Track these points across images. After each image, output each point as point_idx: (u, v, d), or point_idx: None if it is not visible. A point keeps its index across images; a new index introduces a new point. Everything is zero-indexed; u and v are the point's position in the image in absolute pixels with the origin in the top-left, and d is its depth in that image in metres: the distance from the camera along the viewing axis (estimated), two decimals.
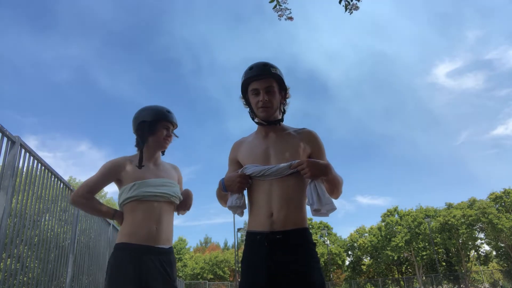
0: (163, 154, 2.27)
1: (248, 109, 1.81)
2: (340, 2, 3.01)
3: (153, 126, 2.12)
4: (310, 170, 1.53)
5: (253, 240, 1.59)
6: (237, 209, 1.67)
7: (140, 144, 2.14)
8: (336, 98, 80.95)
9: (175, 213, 2.19)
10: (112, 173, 2.07)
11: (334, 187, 1.64)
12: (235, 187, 1.65)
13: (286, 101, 1.80)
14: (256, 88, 1.70)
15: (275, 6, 3.05)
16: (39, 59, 65.39)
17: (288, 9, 3.05)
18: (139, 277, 1.84)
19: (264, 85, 1.68)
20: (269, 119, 1.73)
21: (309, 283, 1.45)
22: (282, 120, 1.78)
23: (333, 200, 1.57)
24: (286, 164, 1.60)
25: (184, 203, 2.15)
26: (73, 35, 67.18)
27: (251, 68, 1.71)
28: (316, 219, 42.56)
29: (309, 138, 1.73)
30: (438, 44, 69.65)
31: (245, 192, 1.74)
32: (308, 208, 1.63)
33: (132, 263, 1.86)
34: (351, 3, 2.99)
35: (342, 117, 79.67)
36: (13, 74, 60.83)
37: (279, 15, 3.05)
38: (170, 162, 2.34)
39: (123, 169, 2.08)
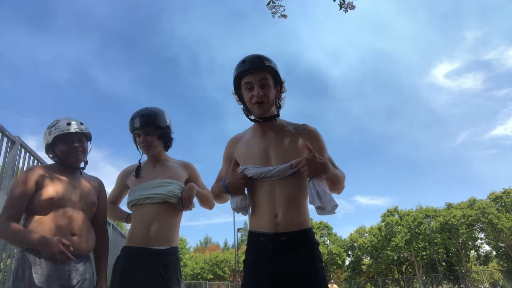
0: (166, 150, 2.27)
1: (241, 106, 1.72)
2: (334, 0, 2.99)
3: (134, 138, 2.19)
4: (308, 169, 1.49)
5: (257, 241, 1.57)
6: (242, 210, 1.65)
7: (140, 154, 2.22)
8: (336, 98, 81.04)
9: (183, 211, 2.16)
10: (121, 181, 2.24)
11: (335, 184, 1.61)
12: (239, 191, 1.62)
13: (281, 95, 1.72)
14: (250, 82, 1.62)
15: (269, 3, 3.05)
16: (38, 58, 65.50)
17: (282, 6, 3.03)
18: (132, 279, 1.88)
19: (258, 79, 1.61)
20: (264, 115, 1.66)
21: (314, 283, 1.44)
22: (278, 115, 1.71)
23: (334, 196, 1.55)
24: (287, 164, 1.57)
25: (180, 200, 2.09)
26: (72, 35, 67.43)
27: (243, 61, 1.62)
28: (316, 219, 42.53)
29: (309, 135, 1.67)
30: (436, 44, 69.75)
31: (246, 190, 1.73)
32: (311, 207, 1.61)
33: (126, 265, 1.91)
34: (346, 1, 2.98)
35: (342, 116, 79.77)
36: (13, 74, 60.98)
37: (273, 13, 3.03)
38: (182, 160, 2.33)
39: (129, 176, 2.20)
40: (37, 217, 1.70)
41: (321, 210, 1.51)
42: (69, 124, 1.86)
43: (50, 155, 1.92)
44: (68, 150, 1.86)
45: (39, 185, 1.76)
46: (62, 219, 1.72)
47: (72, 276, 1.67)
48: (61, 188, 1.79)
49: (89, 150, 1.97)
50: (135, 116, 2.12)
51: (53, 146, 1.87)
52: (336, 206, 1.50)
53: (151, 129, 2.12)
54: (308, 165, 1.49)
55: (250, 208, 1.66)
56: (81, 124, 1.91)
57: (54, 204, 1.73)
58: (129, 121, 2.14)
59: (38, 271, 1.58)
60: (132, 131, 2.15)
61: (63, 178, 1.85)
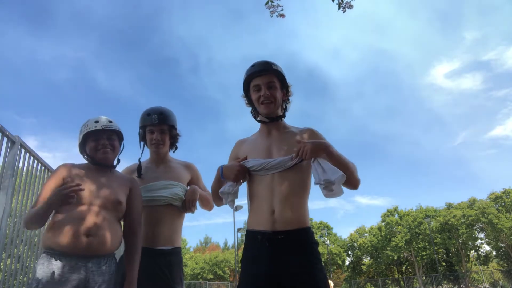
0: (173, 151, 2.28)
1: (250, 108, 1.82)
2: (333, 0, 3.01)
3: (143, 134, 2.18)
4: (310, 148, 1.51)
5: (253, 240, 1.57)
6: (229, 196, 1.67)
7: (141, 152, 2.20)
8: (336, 97, 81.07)
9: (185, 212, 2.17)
10: None
11: (345, 167, 1.53)
12: (232, 175, 1.66)
13: (288, 99, 1.82)
14: (258, 84, 1.73)
15: (267, 2, 3.06)
16: (38, 58, 65.55)
17: (280, 6, 3.05)
18: (136, 279, 1.86)
19: (265, 81, 1.72)
20: (271, 115, 1.74)
21: (312, 285, 1.44)
22: (283, 116, 1.80)
23: (348, 188, 1.56)
24: (288, 156, 1.59)
25: (184, 202, 2.12)
26: (71, 35, 67.56)
27: (253, 66, 1.75)
28: (316, 219, 42.55)
29: (311, 135, 1.73)
30: (436, 44, 69.82)
31: (246, 187, 1.74)
32: (311, 207, 1.63)
33: None
34: (344, 1, 2.99)
35: (342, 116, 79.80)
36: (13, 74, 61.02)
37: (271, 12, 3.05)
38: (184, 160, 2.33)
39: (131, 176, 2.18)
40: (58, 214, 1.69)
41: (328, 189, 1.46)
42: (97, 121, 1.85)
43: (84, 156, 1.91)
44: (96, 147, 1.84)
45: (65, 182, 1.73)
46: (80, 217, 1.66)
47: (89, 278, 1.62)
48: (84, 186, 1.72)
49: (121, 149, 1.94)
50: (152, 112, 2.11)
51: (84, 145, 1.87)
52: (344, 176, 1.46)
53: (166, 127, 2.15)
54: (307, 146, 1.53)
55: (239, 204, 1.69)
56: (110, 121, 1.88)
57: (75, 202, 1.68)
58: (144, 116, 2.13)
59: (55, 272, 1.57)
60: (144, 126, 2.15)
61: (91, 176, 1.81)
